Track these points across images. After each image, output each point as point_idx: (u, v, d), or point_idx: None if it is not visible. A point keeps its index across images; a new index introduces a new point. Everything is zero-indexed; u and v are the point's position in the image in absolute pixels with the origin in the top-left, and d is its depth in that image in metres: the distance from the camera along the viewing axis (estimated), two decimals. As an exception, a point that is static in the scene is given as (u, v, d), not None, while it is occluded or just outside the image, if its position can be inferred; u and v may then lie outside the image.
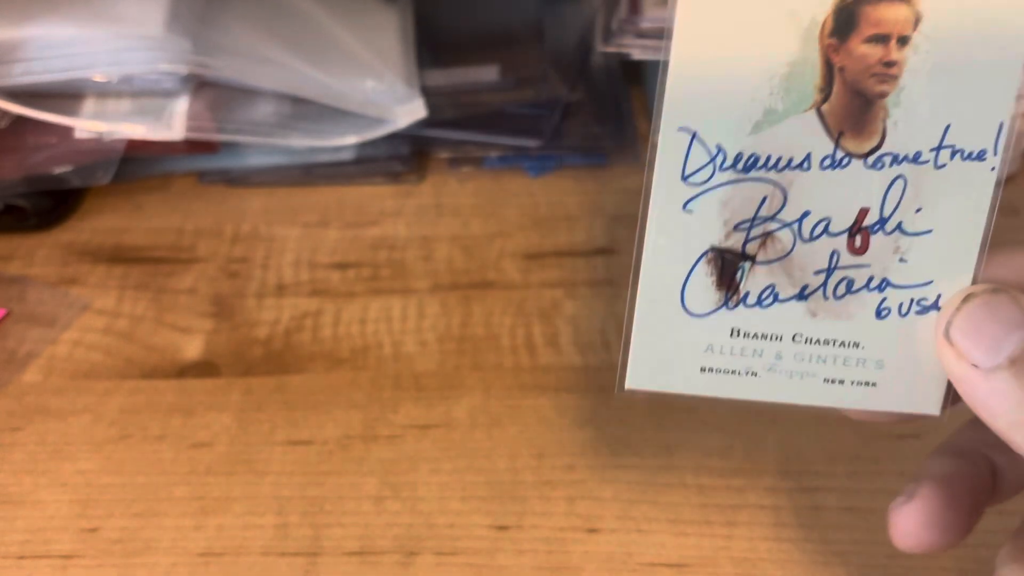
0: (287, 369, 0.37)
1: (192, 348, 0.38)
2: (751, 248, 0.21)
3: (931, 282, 0.21)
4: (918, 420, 0.23)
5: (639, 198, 0.48)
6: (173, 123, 0.42)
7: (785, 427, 0.34)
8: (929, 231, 0.21)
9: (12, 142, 0.43)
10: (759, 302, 0.22)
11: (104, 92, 0.43)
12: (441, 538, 0.31)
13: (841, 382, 0.22)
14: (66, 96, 0.42)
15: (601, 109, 0.49)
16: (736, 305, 0.22)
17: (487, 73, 0.49)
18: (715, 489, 0.33)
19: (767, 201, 0.21)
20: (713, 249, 0.21)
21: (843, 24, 0.20)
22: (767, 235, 0.21)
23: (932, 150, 0.20)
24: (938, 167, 0.20)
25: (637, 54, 0.45)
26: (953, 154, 0.20)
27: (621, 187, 0.46)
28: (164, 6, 0.43)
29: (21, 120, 0.42)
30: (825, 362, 0.22)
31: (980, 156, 0.20)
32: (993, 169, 0.20)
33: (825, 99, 0.20)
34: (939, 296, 0.21)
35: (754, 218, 0.21)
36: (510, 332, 0.39)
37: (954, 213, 0.21)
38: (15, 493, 0.33)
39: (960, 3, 0.19)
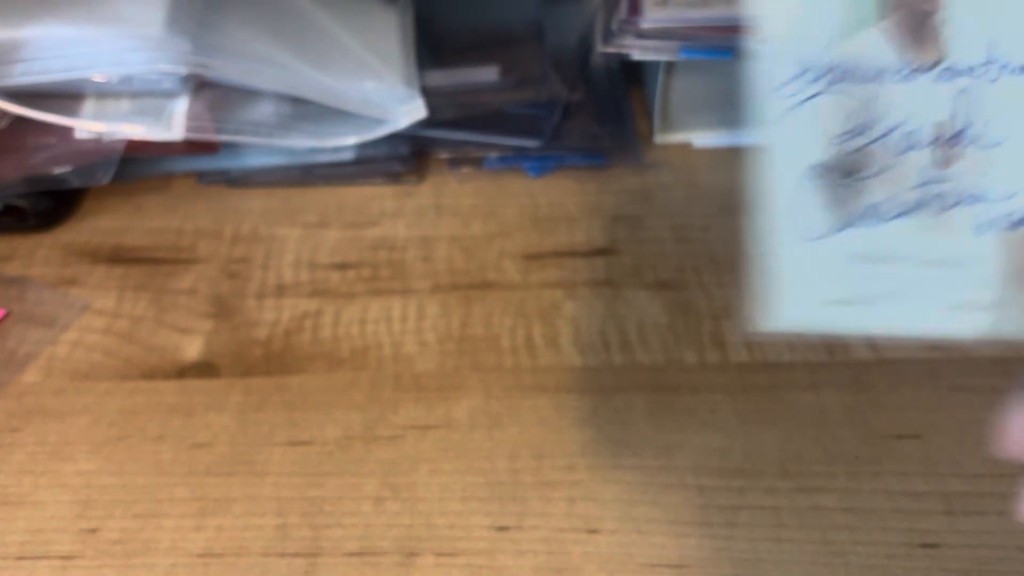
0: (287, 370, 0.37)
1: (192, 349, 0.38)
2: (851, 161, 0.22)
3: (1016, 194, 0.21)
4: None
5: (640, 198, 0.49)
6: (173, 123, 0.42)
7: (785, 427, 0.34)
8: (1001, 143, 0.21)
9: (12, 142, 0.43)
10: (868, 219, 0.22)
11: (104, 92, 0.43)
12: (441, 539, 0.31)
13: (962, 309, 0.22)
14: (66, 96, 0.42)
15: (601, 109, 0.49)
16: (851, 224, 0.22)
17: (487, 73, 0.49)
18: (715, 489, 0.33)
19: (856, 114, 0.21)
20: (821, 166, 0.22)
21: None
22: (862, 149, 0.22)
23: (983, 65, 0.21)
24: (992, 81, 0.21)
25: (637, 54, 0.45)
26: (1001, 68, 0.21)
27: (621, 187, 0.46)
28: (164, 6, 0.43)
29: (21, 120, 0.42)
30: (943, 285, 0.22)
31: None
32: None
33: (889, 14, 0.21)
34: None
35: (847, 131, 0.21)
36: (510, 333, 0.39)
37: (1017, 126, 0.21)
38: (15, 494, 0.33)
39: None
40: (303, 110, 0.45)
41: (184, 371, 0.37)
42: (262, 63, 0.44)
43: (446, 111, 0.47)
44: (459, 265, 0.42)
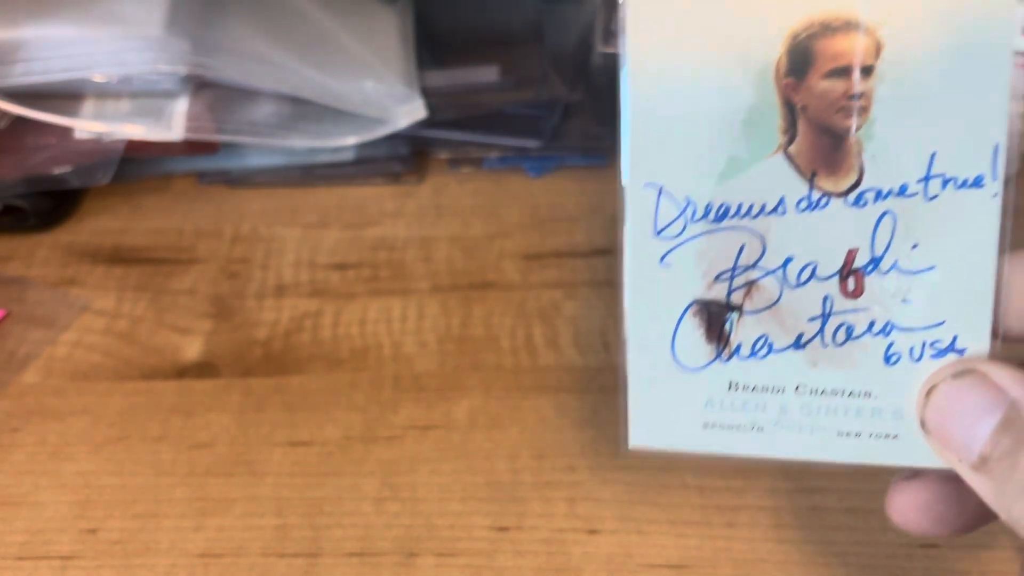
0: (287, 370, 0.37)
1: (192, 349, 0.38)
2: (736, 298, 0.20)
3: (943, 322, 0.19)
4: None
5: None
6: (173, 124, 0.42)
7: (785, 428, 0.34)
8: (931, 268, 0.19)
9: (11, 142, 0.43)
10: (753, 353, 0.20)
11: (104, 93, 0.43)
12: (441, 539, 0.31)
13: (858, 435, 0.20)
14: (66, 96, 0.42)
15: (601, 109, 0.49)
16: (730, 357, 0.21)
17: (487, 73, 0.49)
18: (715, 490, 0.33)
19: (745, 249, 0.20)
20: (696, 301, 0.20)
21: (798, 62, 0.19)
22: (751, 284, 0.20)
23: (919, 181, 0.19)
24: (929, 199, 0.19)
25: (637, 54, 0.45)
26: (944, 183, 0.19)
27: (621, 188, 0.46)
28: (164, 7, 0.43)
29: (20, 120, 0.42)
30: (836, 414, 0.20)
31: (977, 183, 0.19)
32: (995, 195, 0.19)
33: (791, 140, 0.19)
34: (955, 337, 0.20)
35: (734, 267, 0.20)
36: (510, 333, 0.39)
37: (956, 246, 0.19)
38: (14, 494, 0.33)
39: (924, 25, 0.18)
40: (303, 110, 0.45)
41: (184, 371, 0.37)
42: (262, 63, 0.44)
43: (446, 111, 0.47)
44: (459, 265, 0.42)
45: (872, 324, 0.20)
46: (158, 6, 0.43)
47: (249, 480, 0.33)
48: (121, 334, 0.39)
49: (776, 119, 0.19)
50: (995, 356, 0.20)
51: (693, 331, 0.20)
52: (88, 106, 0.43)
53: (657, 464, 0.33)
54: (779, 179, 0.19)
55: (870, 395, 0.20)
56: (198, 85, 0.43)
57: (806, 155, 0.19)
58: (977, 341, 0.19)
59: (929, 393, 0.19)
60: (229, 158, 0.47)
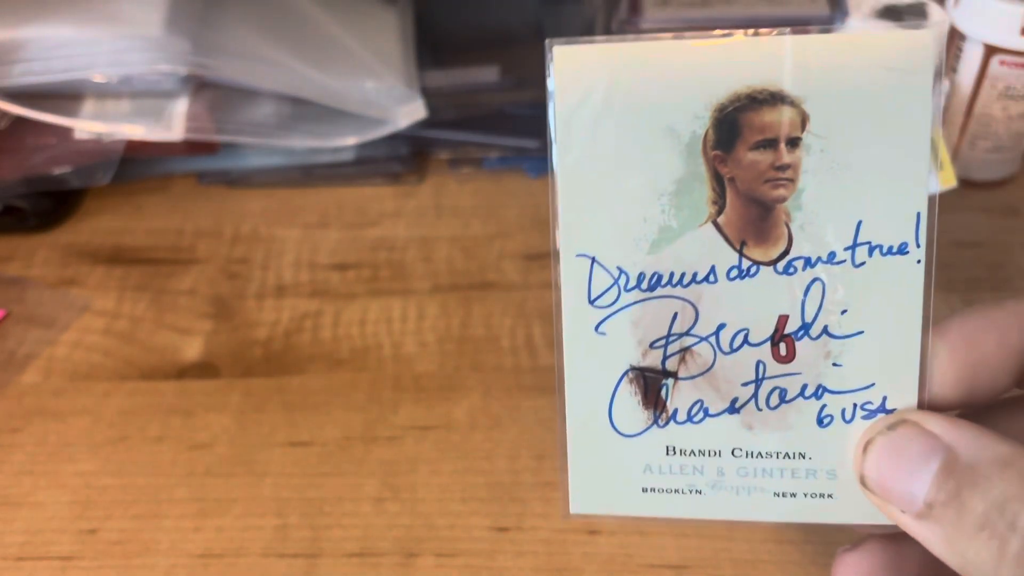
0: (287, 370, 0.37)
1: (192, 349, 0.38)
2: (671, 364, 0.20)
3: (873, 385, 0.20)
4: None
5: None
6: (173, 124, 0.42)
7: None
8: (860, 332, 0.20)
9: (12, 143, 0.43)
10: (689, 418, 0.21)
11: (104, 93, 0.43)
12: (441, 539, 0.31)
13: (793, 495, 0.21)
14: (66, 97, 0.42)
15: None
16: (666, 423, 0.21)
17: (487, 74, 0.49)
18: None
19: (679, 317, 0.20)
20: (632, 368, 0.21)
21: (725, 135, 0.19)
22: (685, 350, 0.20)
23: (847, 249, 0.19)
24: (857, 266, 0.19)
25: (637, 55, 0.45)
26: (871, 250, 0.19)
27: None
28: (164, 7, 0.43)
29: (21, 121, 0.42)
30: (772, 475, 0.21)
31: (902, 250, 0.19)
32: (919, 262, 0.19)
33: (720, 211, 0.19)
34: (884, 398, 0.20)
35: (668, 334, 0.20)
36: (510, 333, 0.39)
37: (884, 311, 0.19)
38: (14, 494, 0.33)
39: (848, 98, 0.18)
40: (303, 110, 0.45)
41: (184, 372, 0.37)
42: (262, 63, 0.44)
43: (446, 111, 0.47)
44: (459, 265, 0.42)
45: (804, 387, 0.20)
46: (158, 6, 0.43)
47: (249, 480, 0.33)
48: (121, 334, 0.39)
49: (705, 190, 0.19)
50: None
51: (630, 397, 0.21)
52: (88, 106, 0.43)
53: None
54: (710, 249, 0.20)
55: (804, 456, 0.21)
56: (198, 85, 0.43)
57: (735, 225, 0.19)
58: (906, 402, 0.20)
59: (866, 449, 0.20)
60: (229, 158, 0.47)
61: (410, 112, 0.46)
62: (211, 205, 0.46)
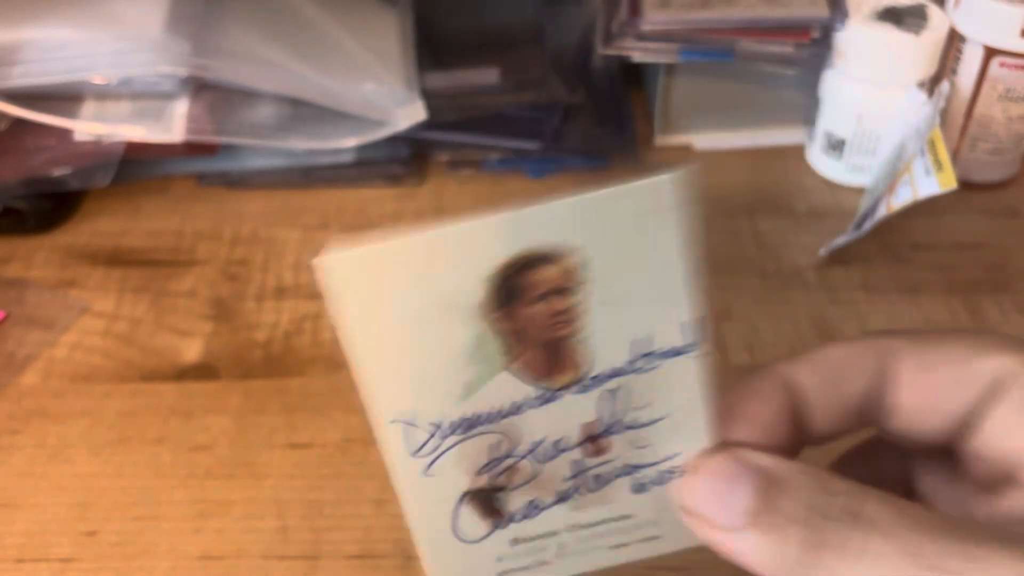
0: (287, 372, 0.37)
1: (191, 351, 0.38)
2: (501, 481, 0.23)
3: (678, 454, 0.23)
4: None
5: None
6: (172, 125, 0.42)
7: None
8: (660, 418, 0.23)
9: (11, 144, 0.43)
10: (526, 516, 0.24)
11: (103, 94, 0.43)
12: (441, 541, 0.31)
13: (627, 544, 0.24)
14: (65, 98, 0.42)
15: (601, 111, 0.49)
16: (507, 524, 0.23)
17: (487, 75, 0.49)
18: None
19: (499, 444, 0.22)
20: (467, 493, 0.23)
21: (504, 297, 0.20)
22: (510, 468, 0.23)
23: (631, 362, 0.22)
24: (643, 372, 0.22)
25: (637, 56, 0.45)
26: (654, 358, 0.22)
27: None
28: (164, 8, 0.43)
29: (20, 122, 0.42)
30: (605, 536, 0.24)
31: (678, 353, 0.22)
32: (695, 356, 0.22)
33: (515, 358, 0.21)
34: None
35: (492, 460, 0.23)
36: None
37: (675, 399, 0.22)
38: (14, 496, 0.33)
39: (611, 243, 0.21)
40: (303, 112, 0.45)
41: (183, 373, 0.37)
42: (262, 65, 0.44)
43: (446, 113, 0.47)
44: (459, 267, 0.42)
45: (618, 470, 0.23)
46: (158, 8, 0.43)
47: (249, 482, 0.33)
48: (121, 336, 0.39)
49: (496, 345, 0.21)
50: None
51: (471, 515, 0.23)
52: (88, 108, 0.43)
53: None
54: (511, 390, 0.22)
55: (629, 517, 0.24)
56: (198, 87, 0.43)
57: (531, 366, 0.22)
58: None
59: (687, 473, 0.22)
60: (229, 160, 0.47)
61: (410, 114, 0.46)
62: (211, 206, 0.46)
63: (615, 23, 0.45)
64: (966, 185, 0.45)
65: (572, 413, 0.22)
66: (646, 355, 0.22)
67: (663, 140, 0.49)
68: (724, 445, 0.22)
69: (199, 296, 0.41)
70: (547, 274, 0.21)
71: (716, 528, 0.21)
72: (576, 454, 0.23)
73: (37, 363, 0.38)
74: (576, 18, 0.52)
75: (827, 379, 0.23)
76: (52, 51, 0.41)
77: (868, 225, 0.41)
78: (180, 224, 0.45)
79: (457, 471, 0.23)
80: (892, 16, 0.43)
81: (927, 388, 0.22)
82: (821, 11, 0.44)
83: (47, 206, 0.44)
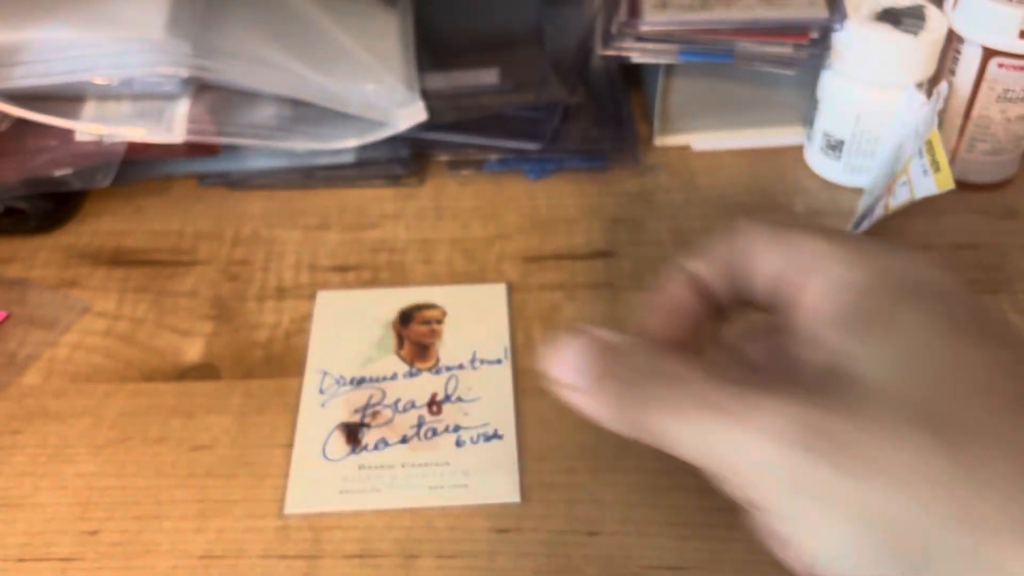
0: (288, 372, 0.37)
1: (192, 351, 0.38)
2: (367, 419, 0.35)
3: (488, 422, 0.35)
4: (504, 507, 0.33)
5: (639, 201, 0.49)
6: (173, 126, 0.42)
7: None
8: (479, 398, 0.36)
9: (12, 145, 0.43)
10: (376, 448, 0.34)
11: (105, 95, 0.43)
12: (441, 541, 0.31)
13: (441, 488, 0.33)
14: (66, 99, 0.42)
15: (601, 112, 0.49)
16: (360, 451, 0.34)
17: (487, 76, 0.49)
18: (715, 492, 0.33)
19: (374, 396, 0.36)
20: (341, 424, 0.35)
21: (405, 320, 0.39)
22: (376, 412, 0.35)
23: (470, 362, 0.37)
24: (474, 369, 0.37)
25: (637, 57, 0.45)
26: (483, 363, 0.37)
27: (621, 190, 0.46)
28: (165, 9, 0.43)
29: (21, 123, 0.42)
30: (427, 476, 0.33)
31: (497, 362, 0.37)
32: (508, 366, 0.37)
33: (400, 348, 0.38)
34: (496, 430, 0.35)
35: (366, 405, 0.36)
36: (509, 334, 0.39)
37: (491, 388, 0.36)
38: (15, 496, 0.33)
39: (467, 305, 0.39)
40: (303, 113, 0.45)
41: (185, 373, 0.38)
42: (263, 65, 0.44)
43: (446, 114, 0.47)
44: (459, 267, 0.42)
45: (447, 427, 0.35)
46: (159, 9, 0.43)
47: (250, 482, 0.33)
48: (122, 336, 0.39)
49: (392, 340, 0.38)
50: (520, 443, 0.34)
51: (338, 439, 0.34)
52: (89, 108, 0.43)
53: (656, 467, 0.33)
54: (393, 366, 0.37)
55: (448, 464, 0.33)
56: (199, 87, 0.43)
57: (408, 354, 0.37)
58: (509, 430, 0.35)
59: (547, 357, 0.25)
60: (230, 160, 0.47)
61: (410, 114, 0.46)
62: (212, 207, 0.46)
63: (614, 24, 0.45)
64: (964, 186, 0.45)
65: (426, 385, 0.36)
66: (478, 361, 0.37)
67: (662, 140, 0.49)
68: (576, 327, 0.26)
69: (200, 296, 0.41)
70: (429, 313, 0.39)
71: (572, 391, 0.24)
72: (423, 411, 0.35)
73: (38, 363, 0.38)
74: (576, 19, 0.52)
75: (719, 266, 0.27)
76: (53, 52, 0.41)
77: (866, 226, 0.41)
78: (181, 224, 0.45)
79: (342, 408, 0.35)
80: (890, 17, 0.43)
81: (770, 261, 0.26)
82: (820, 12, 0.44)
83: (48, 206, 0.44)
